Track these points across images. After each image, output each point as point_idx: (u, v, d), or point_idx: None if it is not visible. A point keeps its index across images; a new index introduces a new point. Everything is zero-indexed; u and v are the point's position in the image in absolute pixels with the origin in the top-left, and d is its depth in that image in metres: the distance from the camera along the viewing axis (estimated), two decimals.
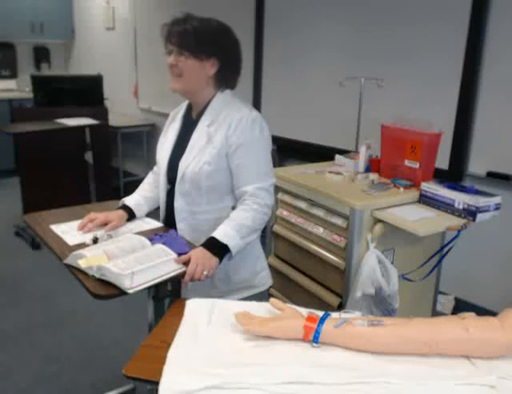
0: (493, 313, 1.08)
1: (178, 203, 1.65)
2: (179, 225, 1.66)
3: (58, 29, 6.30)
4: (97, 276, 1.30)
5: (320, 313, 1.09)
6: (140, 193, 1.81)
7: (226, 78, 1.62)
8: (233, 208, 1.61)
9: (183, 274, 1.38)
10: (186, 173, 1.60)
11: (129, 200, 1.77)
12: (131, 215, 1.73)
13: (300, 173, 2.31)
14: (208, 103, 1.63)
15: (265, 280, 1.79)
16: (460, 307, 2.84)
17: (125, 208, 1.73)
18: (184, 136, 1.67)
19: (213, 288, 1.64)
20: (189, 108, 1.72)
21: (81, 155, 4.10)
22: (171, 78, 1.59)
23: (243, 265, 1.68)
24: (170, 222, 1.70)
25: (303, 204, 2.19)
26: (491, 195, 1.91)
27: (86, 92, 4.43)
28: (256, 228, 1.59)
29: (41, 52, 6.52)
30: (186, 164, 1.60)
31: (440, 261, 2.17)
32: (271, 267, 2.31)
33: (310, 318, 1.07)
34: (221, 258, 1.49)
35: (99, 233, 1.56)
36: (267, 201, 1.58)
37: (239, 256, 1.60)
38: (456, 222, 1.88)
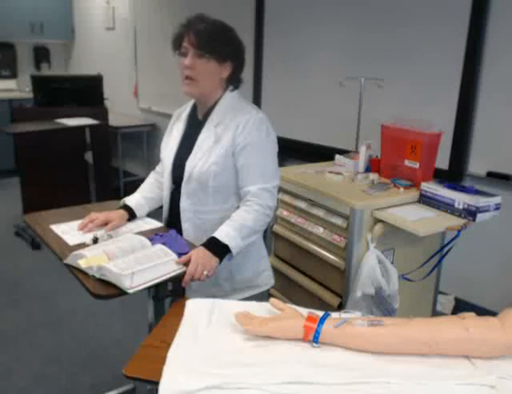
0: (493, 313, 1.08)
1: (184, 203, 1.65)
2: (184, 225, 1.66)
3: (58, 29, 6.30)
4: (97, 276, 1.30)
5: (320, 313, 1.09)
6: (141, 193, 1.81)
7: (236, 79, 1.63)
8: (238, 208, 1.61)
9: (183, 274, 1.38)
10: (193, 173, 1.60)
11: (130, 200, 1.77)
12: (132, 215, 1.73)
13: (300, 173, 2.31)
14: (214, 104, 1.63)
15: (268, 279, 1.79)
16: (460, 307, 2.84)
17: (126, 207, 1.73)
18: (189, 136, 1.67)
19: (217, 287, 1.64)
20: (195, 108, 1.71)
21: (81, 155, 4.10)
22: (185, 81, 1.56)
23: (247, 265, 1.69)
24: (173, 221, 1.70)
25: (303, 204, 2.19)
26: (491, 195, 1.91)
27: (86, 92, 4.42)
28: (257, 229, 1.59)
29: (41, 52, 6.52)
30: (193, 164, 1.60)
31: (440, 261, 2.17)
32: (271, 267, 2.31)
33: (310, 318, 1.07)
34: (221, 259, 1.49)
35: (99, 233, 1.56)
36: (270, 202, 1.58)
37: (243, 256, 1.61)
38: (456, 222, 1.88)
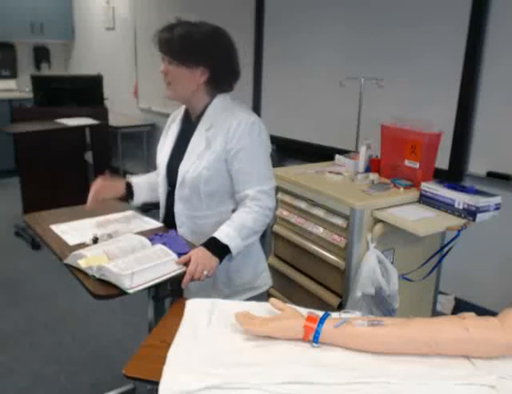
0: (493, 313, 1.08)
1: (178, 208, 1.65)
2: (179, 230, 1.66)
3: (58, 29, 6.30)
4: (97, 276, 1.30)
5: (320, 313, 1.09)
6: (148, 178, 1.84)
7: (220, 83, 1.61)
8: (233, 211, 1.61)
9: (183, 274, 1.38)
10: (186, 178, 1.59)
11: (133, 180, 1.80)
12: (130, 192, 1.77)
13: (300, 173, 2.31)
14: (205, 108, 1.63)
15: (266, 280, 1.79)
16: (460, 307, 2.84)
17: (128, 185, 1.78)
18: (183, 139, 1.67)
19: (215, 291, 1.64)
20: (188, 112, 1.71)
21: (81, 155, 4.10)
22: (165, 86, 1.60)
23: (245, 267, 1.69)
24: (169, 224, 1.70)
25: (303, 204, 2.19)
26: (491, 195, 1.91)
27: (86, 92, 4.43)
28: (257, 230, 1.58)
29: (41, 52, 6.52)
30: (186, 169, 1.60)
31: (440, 261, 2.17)
32: (271, 267, 2.31)
33: (310, 318, 1.07)
34: (221, 259, 1.49)
35: (99, 233, 1.56)
36: (269, 204, 1.58)
37: (241, 258, 1.60)
38: (456, 222, 1.88)
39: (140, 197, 1.80)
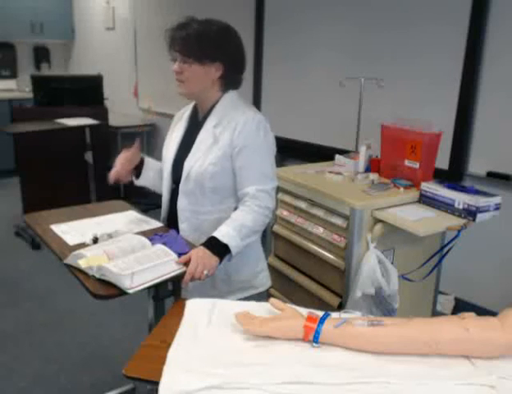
0: (493, 313, 1.08)
1: (181, 203, 1.66)
2: (181, 225, 1.66)
3: (58, 29, 6.30)
4: (97, 276, 1.30)
5: (320, 313, 1.10)
6: (158, 167, 1.83)
7: (232, 79, 1.63)
8: (235, 209, 1.62)
9: (183, 274, 1.38)
10: (191, 173, 1.60)
11: (147, 159, 1.81)
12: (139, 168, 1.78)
13: (300, 173, 2.31)
14: (214, 105, 1.64)
15: (264, 281, 1.79)
16: (460, 307, 2.84)
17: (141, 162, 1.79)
18: (189, 137, 1.68)
19: (213, 289, 1.64)
20: (196, 109, 1.72)
21: (81, 155, 4.11)
22: (178, 83, 1.60)
23: (244, 266, 1.69)
24: (171, 221, 1.70)
25: (303, 204, 2.19)
26: (491, 195, 1.91)
27: (86, 92, 4.43)
28: (256, 230, 1.59)
29: (41, 52, 6.52)
30: (191, 164, 1.61)
31: (440, 261, 2.17)
32: (271, 267, 2.31)
33: (310, 318, 1.07)
34: (221, 258, 1.49)
35: (99, 233, 1.56)
36: (268, 204, 1.58)
37: (240, 257, 1.60)
38: (456, 222, 1.88)
39: (146, 180, 1.80)
